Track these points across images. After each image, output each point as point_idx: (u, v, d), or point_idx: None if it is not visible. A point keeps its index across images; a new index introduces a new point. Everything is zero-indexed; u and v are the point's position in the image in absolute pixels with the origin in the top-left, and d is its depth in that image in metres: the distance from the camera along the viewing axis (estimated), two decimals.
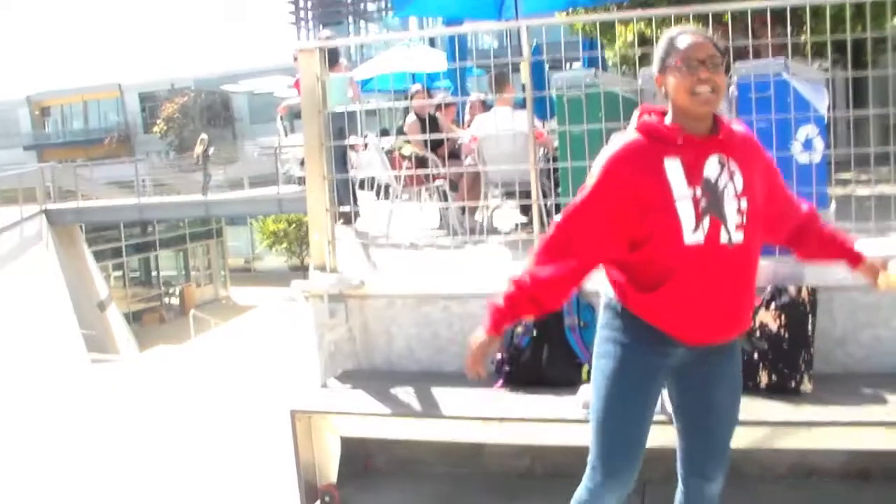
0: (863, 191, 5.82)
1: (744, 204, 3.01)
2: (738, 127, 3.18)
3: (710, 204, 2.97)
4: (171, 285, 41.01)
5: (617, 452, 3.21)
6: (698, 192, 2.97)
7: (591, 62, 10.74)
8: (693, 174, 2.99)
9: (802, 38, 5.82)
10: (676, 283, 3.03)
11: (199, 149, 28.57)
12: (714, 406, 3.27)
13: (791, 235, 3.36)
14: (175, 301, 39.83)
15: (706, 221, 2.96)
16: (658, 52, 3.09)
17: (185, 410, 7.96)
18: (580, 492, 3.31)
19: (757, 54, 5.61)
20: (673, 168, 2.99)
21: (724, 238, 2.99)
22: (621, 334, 3.17)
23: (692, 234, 2.96)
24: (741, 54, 5.63)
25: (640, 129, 3.06)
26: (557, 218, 3.16)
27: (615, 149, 3.05)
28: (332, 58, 7.09)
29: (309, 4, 41.20)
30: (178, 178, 34.26)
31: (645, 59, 6.49)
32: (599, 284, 3.27)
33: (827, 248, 3.39)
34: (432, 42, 31.34)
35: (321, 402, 5.06)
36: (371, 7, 40.31)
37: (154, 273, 40.92)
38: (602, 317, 3.27)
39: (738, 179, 3.02)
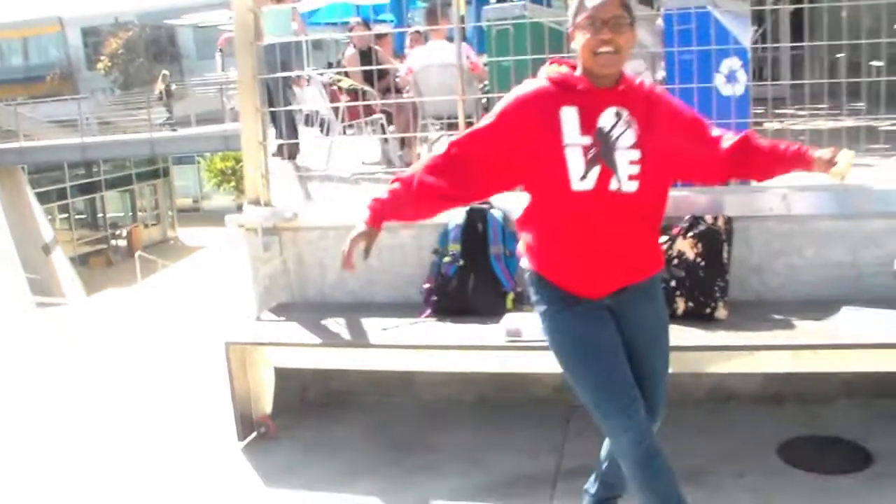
0: (800, 125, 5.99)
1: (636, 154, 3.09)
2: (645, 83, 3.28)
3: (601, 153, 3.05)
4: (118, 227, 40.50)
5: (611, 403, 3.23)
6: (589, 140, 3.06)
7: None
8: (587, 123, 3.07)
9: None
10: (569, 235, 3.17)
11: (160, 85, 28.29)
12: (639, 348, 3.32)
13: (734, 165, 3.38)
14: (122, 243, 39.32)
15: (595, 169, 3.05)
16: (570, 8, 3.15)
17: (128, 351, 8.00)
18: (616, 447, 3.31)
19: None
20: (568, 116, 3.07)
21: (613, 186, 3.07)
22: (545, 303, 3.29)
23: (580, 182, 3.06)
24: None
25: (549, 78, 3.16)
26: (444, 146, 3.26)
27: (519, 92, 3.16)
28: None
29: None
30: (124, 116, 33.77)
31: None
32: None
33: (778, 160, 3.41)
34: None
35: (255, 333, 5.12)
36: None
37: (100, 215, 40.40)
38: (529, 291, 3.39)
39: (634, 131, 3.10)
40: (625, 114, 3.10)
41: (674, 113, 3.29)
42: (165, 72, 28.90)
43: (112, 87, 45.26)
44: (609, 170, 3.06)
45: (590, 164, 3.05)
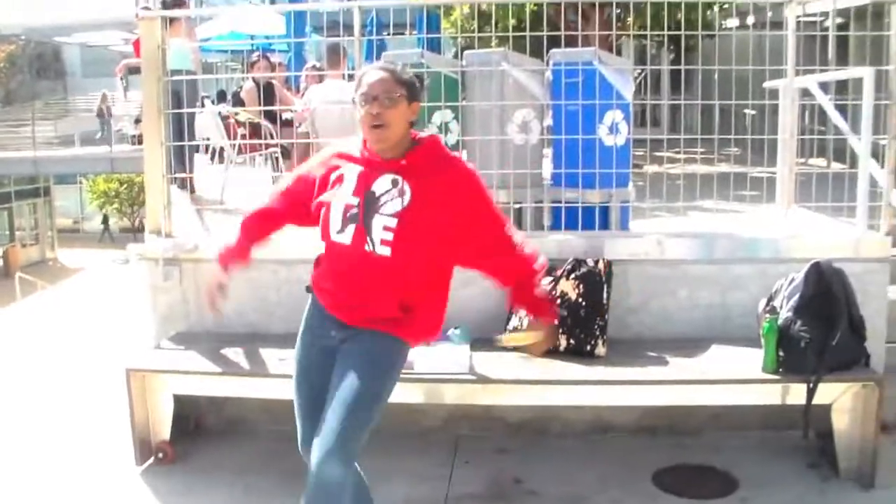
0: (676, 170, 6.38)
1: (392, 222, 3.31)
2: (452, 160, 3.55)
3: (361, 215, 3.35)
4: None
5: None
6: (356, 201, 3.36)
7: (429, 32, 11.04)
8: (361, 186, 3.38)
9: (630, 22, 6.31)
10: (325, 264, 3.59)
11: (100, 104, 27.87)
12: (334, 381, 3.44)
13: (499, 276, 3.69)
14: None
15: (351, 227, 3.36)
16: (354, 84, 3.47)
17: (14, 374, 7.93)
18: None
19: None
20: (350, 176, 3.42)
21: (367, 247, 3.34)
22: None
23: (337, 234, 3.40)
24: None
25: (350, 142, 3.53)
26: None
27: (332, 147, 3.60)
28: (173, 18, 7.17)
29: None
30: (5, 132, 32.95)
31: (481, 31, 6.89)
32: None
33: (524, 303, 3.81)
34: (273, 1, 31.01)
35: (155, 361, 5.24)
36: None
37: None
38: None
39: (404, 202, 3.32)
40: (401, 183, 3.35)
41: (466, 201, 3.43)
42: (105, 91, 28.40)
43: None
44: (363, 230, 3.34)
45: (346, 222, 3.37)
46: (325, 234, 3.43)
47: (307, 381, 3.66)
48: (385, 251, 3.31)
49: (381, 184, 3.35)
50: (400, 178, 3.34)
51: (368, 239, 3.32)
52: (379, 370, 3.47)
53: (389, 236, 3.30)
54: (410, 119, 3.41)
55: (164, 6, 7.86)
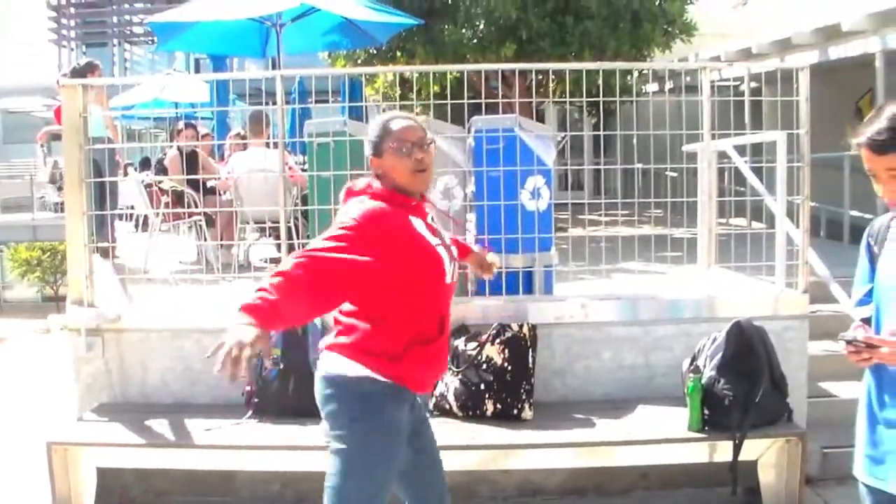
0: (599, 232, 6.49)
1: (455, 250, 3.50)
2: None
3: (451, 254, 3.41)
4: None
5: None
6: (438, 241, 3.37)
7: (352, 98, 11.11)
8: (430, 229, 3.39)
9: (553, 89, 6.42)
10: (430, 328, 3.33)
11: (51, 170, 27.36)
12: (427, 445, 3.62)
13: None
14: None
15: (453, 265, 3.41)
16: (371, 135, 3.40)
17: None
18: None
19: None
20: (418, 224, 3.34)
21: (455, 278, 3.45)
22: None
23: (450, 278, 3.38)
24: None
25: (380, 198, 3.30)
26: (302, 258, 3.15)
27: (365, 209, 3.23)
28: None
29: (72, 23, 39.67)
30: None
31: (404, 98, 6.96)
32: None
33: None
34: (197, 68, 30.97)
35: (77, 434, 5.15)
36: (138, 30, 39.17)
37: None
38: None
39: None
40: (432, 217, 3.48)
41: None
42: (56, 159, 28.01)
43: None
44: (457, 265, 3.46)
45: (452, 263, 3.39)
46: (440, 280, 3.32)
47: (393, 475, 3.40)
48: (456, 274, 3.47)
49: (426, 223, 3.41)
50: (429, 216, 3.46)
51: (454, 268, 3.43)
52: None
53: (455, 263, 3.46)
54: None
55: (76, 74, 7.85)
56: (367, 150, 3.43)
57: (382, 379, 3.25)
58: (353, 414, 3.30)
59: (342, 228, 3.17)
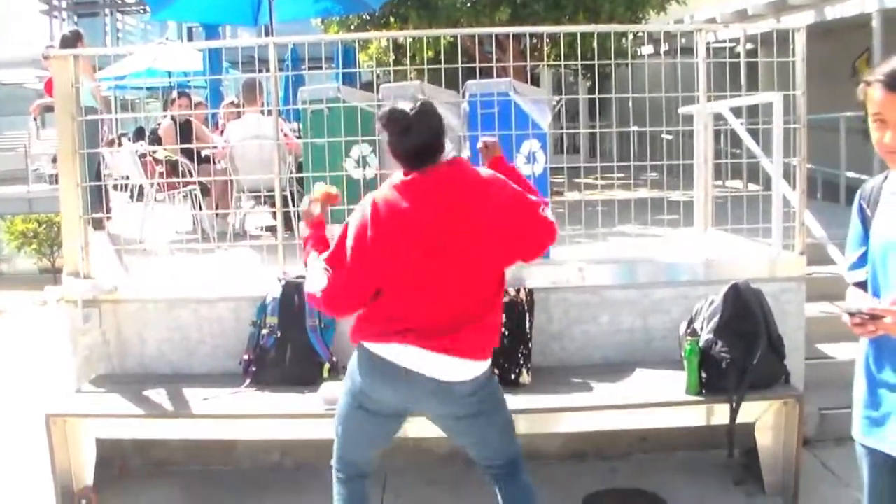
0: (596, 196, 6.47)
1: None
2: None
3: None
4: None
5: None
6: None
7: (345, 65, 11.07)
8: None
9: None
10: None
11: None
12: None
13: None
14: None
15: None
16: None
17: None
18: None
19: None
20: None
21: None
22: None
23: None
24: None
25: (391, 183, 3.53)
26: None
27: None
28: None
29: None
30: None
31: (397, 64, 6.93)
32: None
33: None
34: (189, 36, 30.79)
35: (76, 405, 5.14)
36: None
37: None
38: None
39: None
40: None
41: None
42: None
43: None
44: None
45: None
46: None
47: None
48: None
49: None
50: None
51: None
52: None
53: None
54: None
55: (65, 44, 7.78)
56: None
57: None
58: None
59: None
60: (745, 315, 4.78)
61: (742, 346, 4.70)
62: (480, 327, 3.47)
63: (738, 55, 12.35)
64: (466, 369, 3.46)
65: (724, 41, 12.70)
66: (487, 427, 3.67)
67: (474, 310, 3.44)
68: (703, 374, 4.72)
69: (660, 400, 4.78)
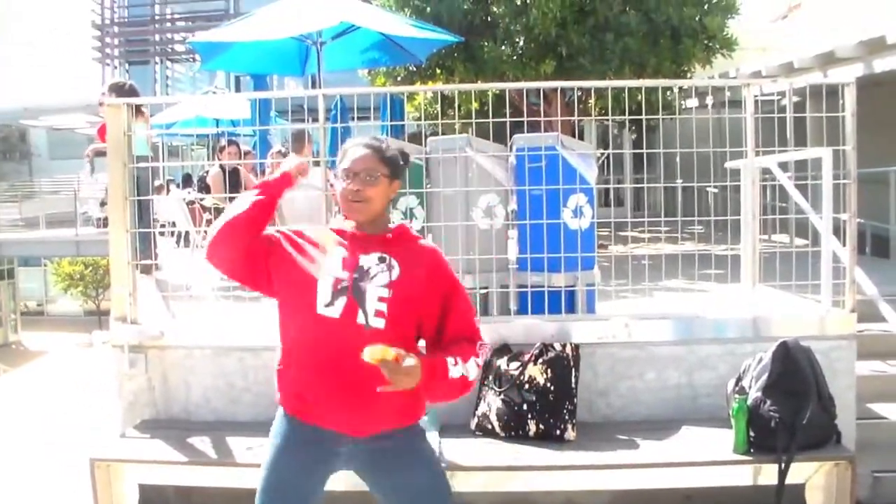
0: (641, 250, 6.42)
1: (386, 293, 3.27)
2: (425, 244, 3.54)
3: (350, 286, 3.27)
4: None
5: None
6: (346, 274, 3.29)
7: (392, 116, 11.14)
8: (349, 260, 3.32)
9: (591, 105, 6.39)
10: (301, 363, 3.37)
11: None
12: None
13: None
14: None
15: (341, 301, 3.26)
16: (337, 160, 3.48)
17: None
18: None
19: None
20: (333, 251, 3.35)
21: (360, 319, 3.25)
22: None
23: (325, 307, 3.26)
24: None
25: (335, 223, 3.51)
26: None
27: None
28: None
29: (115, 42, 40.22)
30: None
31: (443, 115, 6.99)
32: None
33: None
34: (237, 85, 31.19)
35: (120, 451, 5.15)
36: (179, 48, 39.67)
37: None
38: None
39: (392, 275, 3.30)
40: (388, 258, 3.34)
41: (446, 283, 3.44)
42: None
43: None
44: (355, 302, 3.25)
45: (336, 295, 3.26)
46: (310, 309, 3.26)
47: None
48: (379, 323, 3.24)
49: (370, 259, 3.32)
50: (387, 255, 3.34)
51: (361, 311, 3.24)
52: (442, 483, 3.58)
53: (384, 307, 3.25)
54: (391, 197, 3.46)
55: (117, 93, 7.89)
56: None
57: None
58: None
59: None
60: (794, 373, 4.71)
61: (791, 405, 4.63)
62: None
63: (784, 108, 12.32)
64: None
65: (772, 94, 12.68)
66: None
67: None
68: (752, 433, 4.65)
69: (707, 458, 4.71)
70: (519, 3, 12.73)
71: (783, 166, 6.68)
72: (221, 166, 8.77)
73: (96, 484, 4.94)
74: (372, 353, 3.04)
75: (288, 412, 3.48)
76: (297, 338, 3.37)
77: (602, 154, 6.90)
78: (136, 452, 5.11)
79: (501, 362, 5.11)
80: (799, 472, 4.67)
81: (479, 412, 5.11)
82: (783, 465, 4.53)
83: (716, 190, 6.60)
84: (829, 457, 4.69)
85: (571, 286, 5.64)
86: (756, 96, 6.01)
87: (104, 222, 11.43)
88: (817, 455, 4.67)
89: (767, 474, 4.64)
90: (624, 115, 6.05)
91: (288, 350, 3.42)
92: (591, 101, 10.80)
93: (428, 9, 13.08)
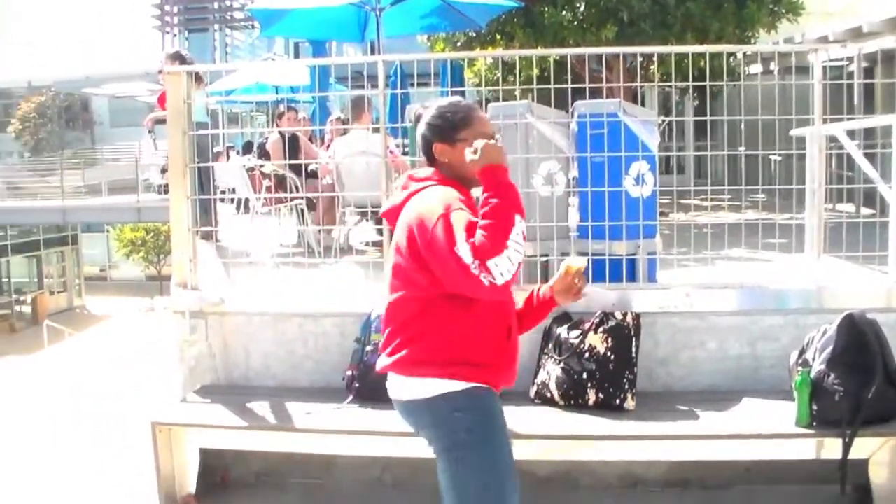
0: (703, 218, 6.33)
1: None
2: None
3: None
4: (23, 293, 39.40)
5: None
6: None
7: (452, 82, 11.11)
8: None
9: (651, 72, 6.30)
10: (498, 322, 3.36)
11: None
12: None
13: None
14: (27, 310, 38.15)
15: None
16: (446, 122, 3.34)
17: (40, 423, 7.97)
18: None
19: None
20: None
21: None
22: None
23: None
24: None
25: (453, 185, 3.30)
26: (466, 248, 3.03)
27: (451, 197, 3.20)
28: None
29: (175, 10, 40.59)
30: (34, 181, 33.16)
31: (504, 81, 6.94)
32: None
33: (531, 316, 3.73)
34: (296, 52, 31.29)
35: (181, 415, 5.21)
36: (238, 15, 39.93)
37: (5, 279, 39.47)
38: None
39: None
40: None
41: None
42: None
43: (22, 150, 44.64)
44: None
45: None
46: (515, 283, 3.18)
47: None
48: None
49: None
50: None
51: None
52: None
53: None
54: None
55: (183, 61, 7.92)
56: (431, 133, 3.36)
57: (475, 385, 3.27)
58: (467, 427, 3.27)
59: (445, 218, 3.09)
60: (860, 346, 4.61)
61: (856, 379, 4.53)
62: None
63: (851, 74, 12.08)
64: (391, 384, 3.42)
65: (841, 59, 12.44)
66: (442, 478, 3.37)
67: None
68: (814, 406, 4.55)
69: (768, 431, 4.62)
70: None
71: (850, 134, 6.54)
72: (281, 133, 8.80)
73: (158, 447, 5.01)
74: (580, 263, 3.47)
75: (482, 382, 3.30)
76: (491, 306, 3.28)
77: (664, 121, 6.81)
78: (196, 417, 5.17)
79: (562, 330, 5.08)
80: (863, 447, 4.58)
81: (538, 380, 5.08)
82: (847, 440, 4.45)
83: (779, 158, 6.49)
84: (894, 432, 4.60)
85: (632, 254, 5.58)
86: (823, 62, 5.88)
87: (165, 189, 11.58)
88: (882, 430, 4.56)
89: (830, 449, 4.58)
90: (686, 81, 5.95)
91: (478, 323, 3.28)
92: (654, 67, 10.70)
93: None
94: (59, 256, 41.69)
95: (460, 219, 3.08)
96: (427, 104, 3.50)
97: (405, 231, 3.25)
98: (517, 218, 3.08)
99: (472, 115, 3.35)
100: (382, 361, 3.43)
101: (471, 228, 3.04)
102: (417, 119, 3.46)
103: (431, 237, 3.09)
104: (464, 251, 2.98)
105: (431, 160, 3.39)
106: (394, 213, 3.39)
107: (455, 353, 3.23)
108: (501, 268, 2.98)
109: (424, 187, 3.30)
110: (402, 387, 3.38)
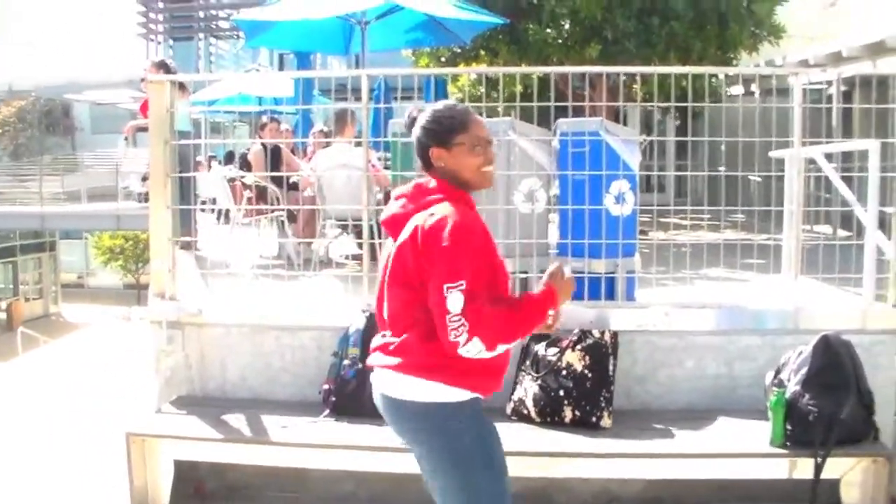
0: (683, 237, 6.36)
1: None
2: None
3: None
4: None
5: None
6: None
7: (436, 96, 11.13)
8: None
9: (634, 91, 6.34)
10: None
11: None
12: None
13: None
14: (1, 316, 37.85)
15: None
16: (443, 126, 3.29)
17: (12, 431, 7.90)
18: None
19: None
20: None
21: None
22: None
23: None
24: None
25: (456, 199, 3.25)
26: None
27: (468, 221, 3.17)
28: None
29: (160, 18, 40.51)
30: (12, 186, 32.90)
31: (487, 97, 6.97)
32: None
33: None
34: (281, 63, 31.27)
35: (156, 426, 5.19)
36: (224, 25, 39.88)
37: None
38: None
39: None
40: None
41: None
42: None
43: (1, 155, 44.31)
44: None
45: None
46: (506, 289, 3.34)
47: None
48: None
49: None
50: None
51: None
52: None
53: None
54: None
55: (167, 70, 7.91)
56: (427, 137, 3.31)
57: (471, 393, 3.26)
58: (455, 431, 3.27)
59: (455, 265, 3.07)
60: (834, 367, 4.65)
61: (830, 400, 4.57)
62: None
63: (830, 98, 12.16)
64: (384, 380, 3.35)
65: (819, 83, 12.52)
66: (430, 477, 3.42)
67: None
68: (789, 426, 4.59)
69: (743, 451, 4.67)
70: None
71: (828, 157, 6.59)
72: (263, 144, 8.79)
73: (131, 458, 4.99)
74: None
75: (472, 391, 3.28)
76: None
77: (645, 140, 6.85)
78: (171, 428, 5.15)
79: (539, 347, 5.09)
80: (835, 467, 4.61)
81: (515, 397, 5.09)
82: (820, 460, 4.48)
83: (759, 179, 6.53)
84: (866, 453, 4.63)
85: (612, 273, 5.60)
86: (804, 85, 5.93)
87: (145, 197, 11.56)
88: (854, 451, 4.61)
89: (803, 468, 4.60)
90: (668, 100, 5.99)
91: None
92: (636, 86, 10.75)
93: None
94: (37, 263, 41.31)
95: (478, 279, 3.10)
96: (421, 107, 3.48)
97: (417, 247, 3.17)
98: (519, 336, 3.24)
99: (469, 119, 3.32)
100: (383, 359, 3.35)
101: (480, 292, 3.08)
102: (412, 122, 3.42)
103: (440, 295, 3.08)
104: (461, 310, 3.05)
105: (428, 164, 3.35)
106: (396, 223, 3.31)
107: (456, 359, 3.17)
108: (472, 350, 3.07)
109: (434, 201, 3.24)
110: (397, 384, 3.30)
